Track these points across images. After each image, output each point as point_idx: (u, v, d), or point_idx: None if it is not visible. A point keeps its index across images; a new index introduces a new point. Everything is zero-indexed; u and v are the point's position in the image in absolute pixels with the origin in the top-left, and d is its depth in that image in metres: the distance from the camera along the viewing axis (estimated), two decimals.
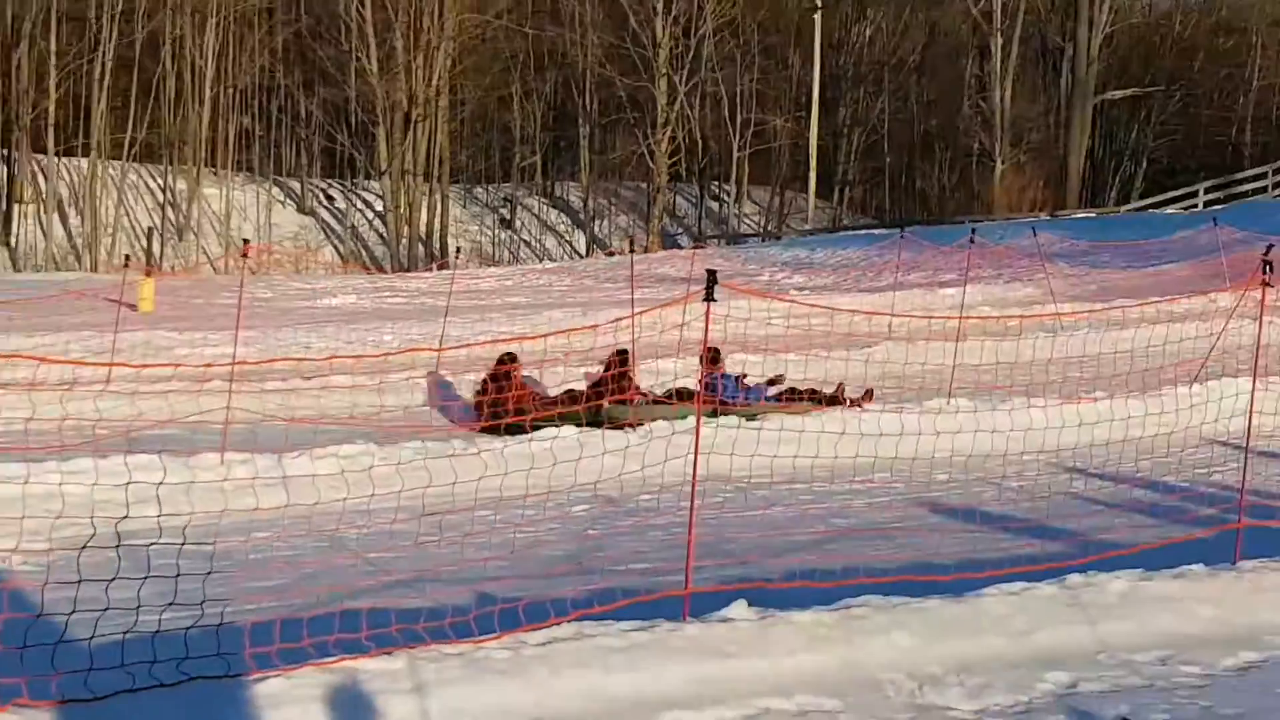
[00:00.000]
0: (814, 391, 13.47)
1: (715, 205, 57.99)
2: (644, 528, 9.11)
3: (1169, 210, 43.91)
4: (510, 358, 13.51)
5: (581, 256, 49.92)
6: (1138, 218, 39.53)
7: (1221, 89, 61.06)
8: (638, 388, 13.62)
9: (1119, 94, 55.14)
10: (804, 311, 17.00)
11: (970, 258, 19.68)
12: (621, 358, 13.50)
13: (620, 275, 24.60)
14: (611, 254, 38.21)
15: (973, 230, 21.20)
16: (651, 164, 50.20)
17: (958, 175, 58.45)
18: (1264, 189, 46.83)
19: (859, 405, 12.91)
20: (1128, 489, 10.27)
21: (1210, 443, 11.39)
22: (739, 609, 6.28)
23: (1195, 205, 45.01)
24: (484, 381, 13.60)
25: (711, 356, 12.61)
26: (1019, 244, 26.26)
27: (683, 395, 13.23)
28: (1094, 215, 42.97)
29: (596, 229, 55.27)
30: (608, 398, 12.88)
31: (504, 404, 12.55)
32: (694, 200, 57.37)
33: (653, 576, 7.52)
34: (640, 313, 10.40)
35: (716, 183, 57.89)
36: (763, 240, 46.14)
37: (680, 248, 44.61)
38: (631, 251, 23.66)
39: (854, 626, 6.27)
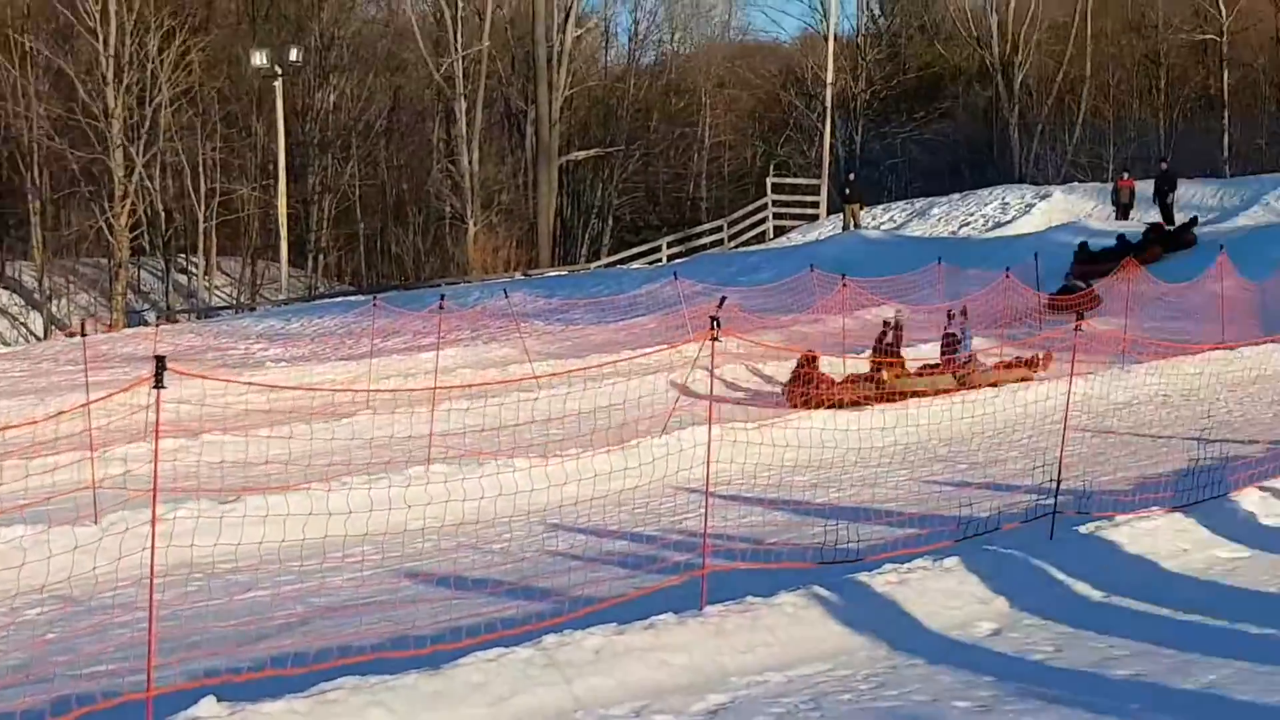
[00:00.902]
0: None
1: (184, 278, 56.25)
2: (108, 626, 8.58)
3: (635, 265, 45.65)
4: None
5: (39, 339, 47.33)
6: (608, 273, 40.82)
7: (677, 147, 63.98)
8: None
9: (582, 154, 56.99)
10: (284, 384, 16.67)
11: (447, 320, 19.81)
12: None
13: (82, 357, 23.31)
14: (72, 335, 36.48)
15: (442, 296, 21.34)
16: (111, 238, 48.36)
17: (432, 238, 58.83)
18: (720, 241, 49.36)
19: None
20: (605, 542, 10.45)
21: (680, 490, 11.74)
22: (208, 706, 5.99)
23: (659, 259, 46.97)
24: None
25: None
26: (494, 304, 26.62)
27: None
28: (566, 273, 44.12)
29: (55, 309, 52.59)
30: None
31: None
32: (160, 274, 55.46)
33: (115, 679, 7.09)
34: (94, 402, 9.87)
35: (184, 255, 56.17)
36: (236, 312, 45.08)
37: (147, 324, 42.97)
38: (84, 334, 22.33)
39: (329, 711, 6.08)
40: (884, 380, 16.87)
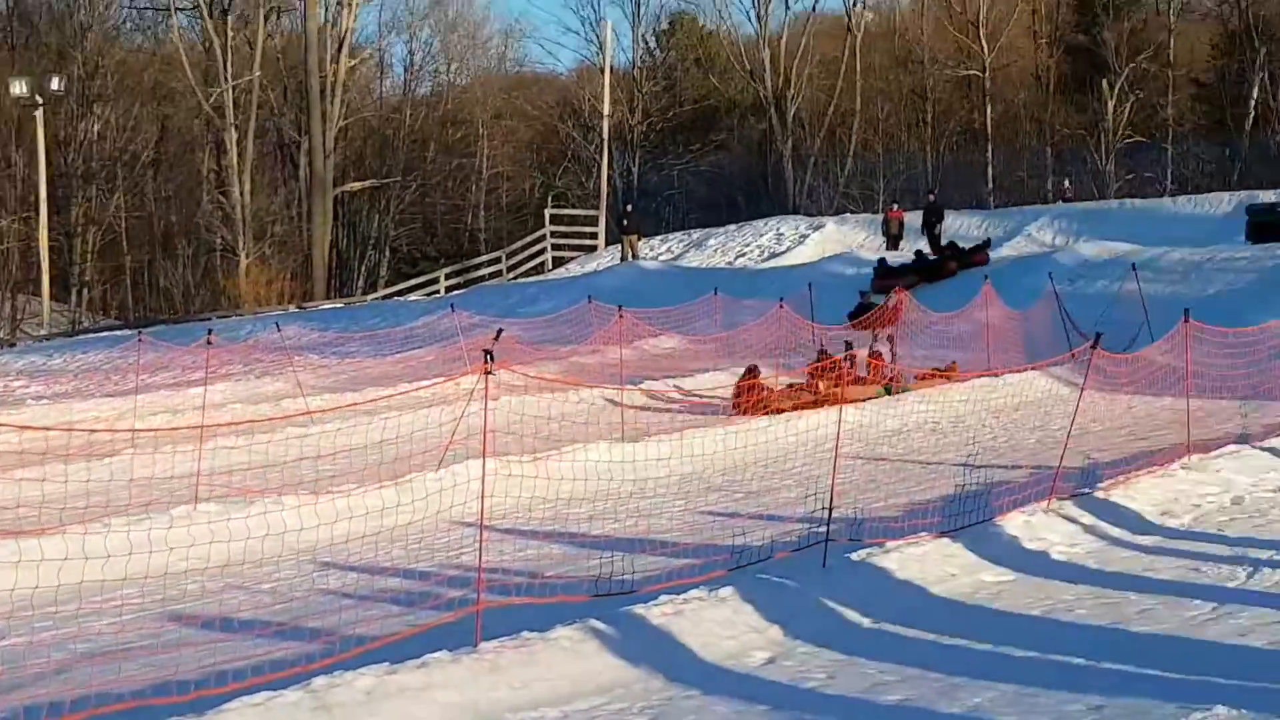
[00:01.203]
0: None
1: None
2: None
3: (413, 297, 45.30)
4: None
5: None
6: (385, 305, 40.44)
7: (454, 178, 63.76)
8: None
9: (358, 185, 56.43)
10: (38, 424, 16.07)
11: (219, 355, 19.34)
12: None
13: None
14: None
15: (209, 330, 20.86)
16: None
17: (202, 271, 57.55)
18: (499, 272, 49.29)
19: None
20: (379, 580, 10.25)
21: (456, 525, 11.59)
22: None
23: (437, 291, 46.70)
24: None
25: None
26: (267, 338, 26.12)
27: None
28: (342, 305, 43.57)
29: None
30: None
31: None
32: None
33: None
34: None
35: None
36: None
37: None
38: None
39: None
40: (820, 389, 18.04)
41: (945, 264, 31.58)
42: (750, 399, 18.02)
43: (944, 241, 35.97)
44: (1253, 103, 53.70)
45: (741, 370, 19.66)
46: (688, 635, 7.93)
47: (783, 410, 17.30)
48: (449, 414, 16.16)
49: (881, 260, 32.76)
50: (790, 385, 19.00)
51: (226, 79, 52.39)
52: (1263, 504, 11.35)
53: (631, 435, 15.91)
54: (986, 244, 33.79)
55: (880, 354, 20.56)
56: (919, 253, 33.64)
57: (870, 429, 16.37)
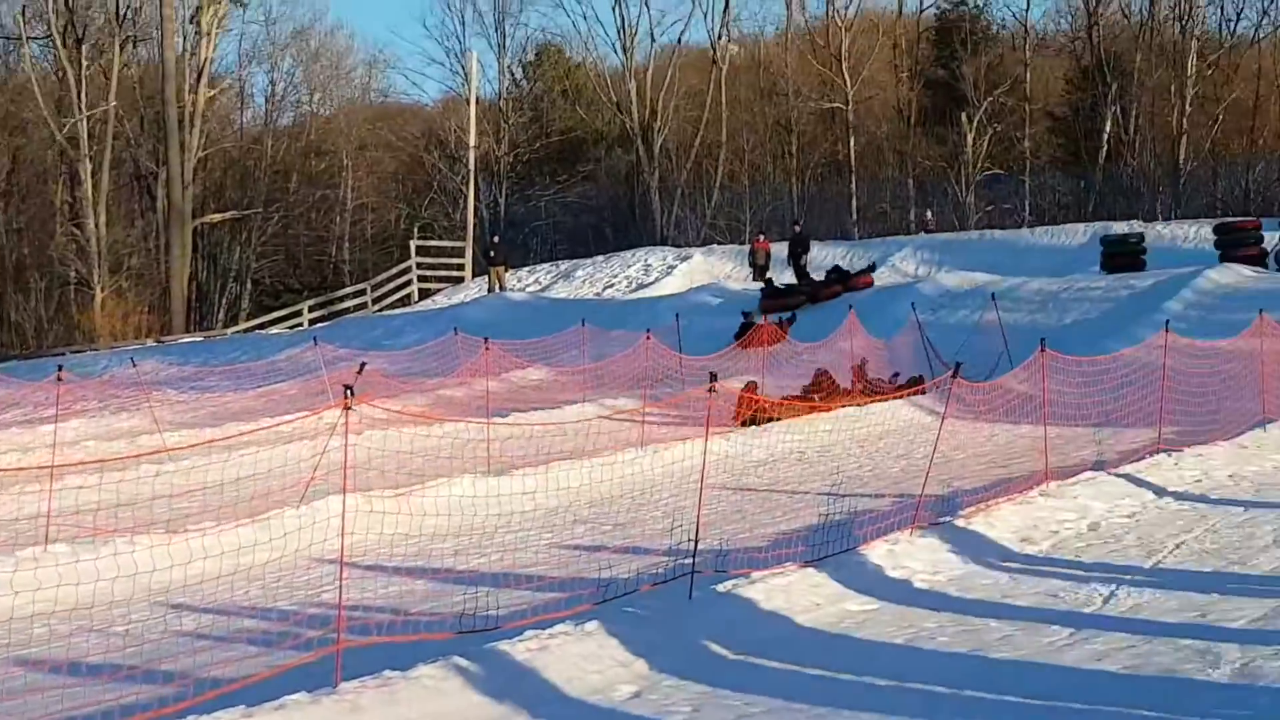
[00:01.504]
0: None
1: None
2: None
3: (276, 330, 44.80)
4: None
5: None
6: (246, 339, 39.93)
7: (318, 209, 63.18)
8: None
9: (218, 217, 55.78)
10: None
11: (73, 391, 18.92)
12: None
13: None
14: None
15: (60, 365, 20.40)
16: None
17: (55, 305, 56.25)
18: (364, 305, 48.90)
19: None
20: (237, 620, 10.05)
21: (318, 562, 11.42)
22: None
23: (301, 324, 46.22)
24: None
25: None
26: (123, 373, 25.63)
27: None
28: (202, 339, 42.96)
29: None
30: None
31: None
32: None
33: None
34: None
35: None
36: None
37: None
38: None
39: None
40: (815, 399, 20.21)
41: (830, 285, 32.08)
42: (747, 410, 19.03)
43: (811, 272, 36.28)
44: (1106, 136, 54.86)
45: (616, 402, 19.82)
46: (552, 670, 7.87)
47: (777, 418, 18.31)
48: (311, 449, 15.97)
49: (769, 280, 33.83)
50: (785, 398, 20.14)
51: (81, 109, 51.54)
52: (1117, 530, 11.53)
53: (498, 469, 15.81)
54: (871, 268, 34.30)
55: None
56: (769, 281, 34.18)
57: (738, 459, 16.41)
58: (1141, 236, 34.33)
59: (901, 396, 19.74)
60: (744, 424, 18.91)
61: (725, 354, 23.81)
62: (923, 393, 19.30)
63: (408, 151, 64.93)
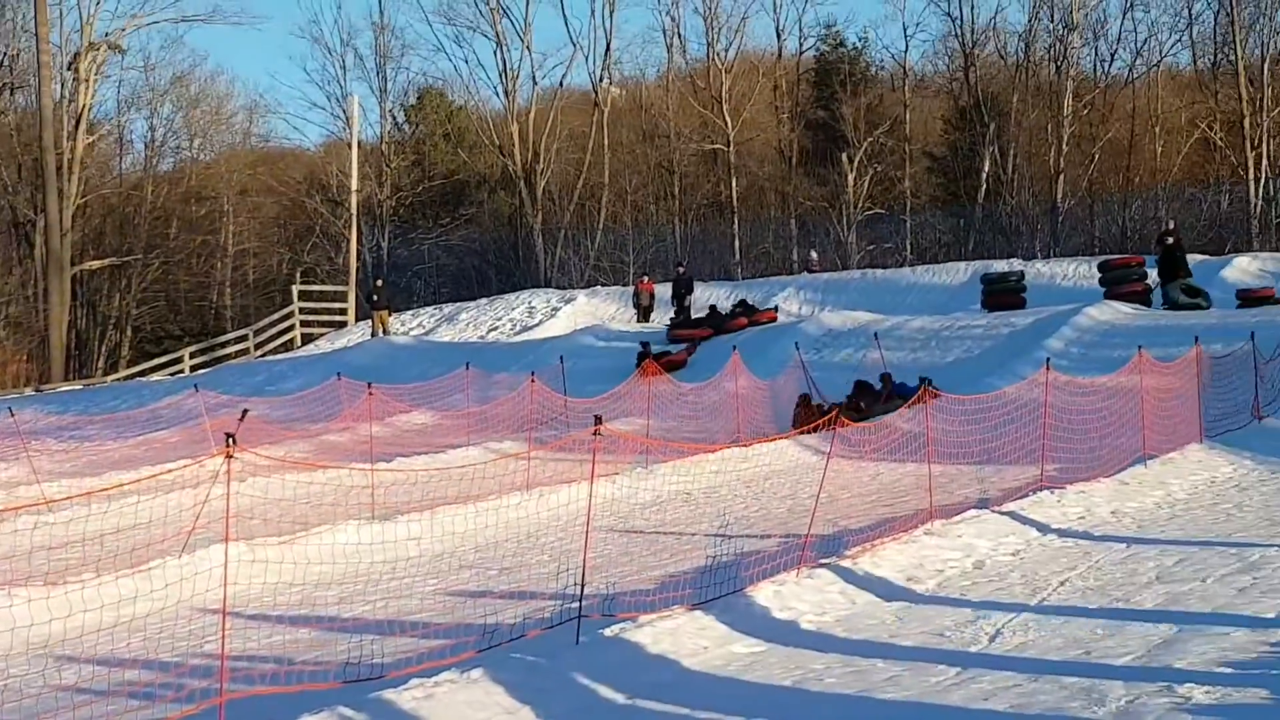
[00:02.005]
0: None
1: None
2: None
3: (157, 377, 44.17)
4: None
5: None
6: (127, 386, 39.30)
7: (199, 255, 62.48)
8: None
9: (97, 264, 55.02)
10: None
11: None
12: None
13: None
14: None
15: None
16: None
17: None
18: (246, 350, 48.40)
19: None
20: (119, 672, 9.85)
21: (201, 612, 11.25)
22: None
23: (182, 370, 45.65)
24: None
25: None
26: (1, 422, 25.11)
27: None
28: (81, 387, 42.24)
29: None
30: None
31: None
32: None
33: None
34: None
35: None
36: None
37: None
38: None
39: None
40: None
41: (736, 318, 33.05)
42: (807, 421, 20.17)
43: (694, 313, 36.51)
44: (984, 175, 55.76)
45: (502, 445, 19.88)
46: (438, 719, 7.79)
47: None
48: (193, 498, 15.73)
49: (678, 310, 35.82)
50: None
51: None
52: (1002, 568, 11.64)
53: (382, 514, 15.67)
54: (775, 309, 35.51)
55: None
56: (740, 300, 36.27)
57: (624, 502, 16.42)
58: (1021, 274, 34.87)
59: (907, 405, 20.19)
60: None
61: (610, 396, 23.81)
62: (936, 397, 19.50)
63: (289, 196, 64.47)
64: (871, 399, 22.74)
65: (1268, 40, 53.10)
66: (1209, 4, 56.15)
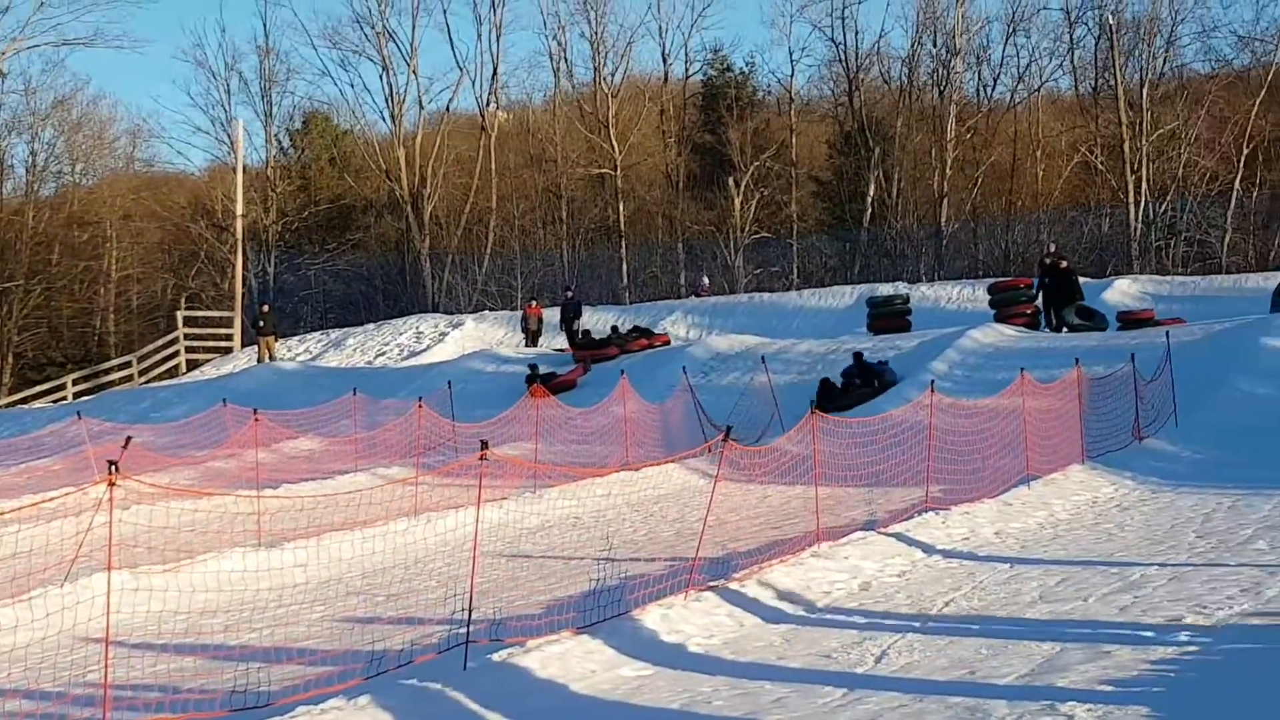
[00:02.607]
0: None
1: None
2: None
3: (39, 404, 43.49)
4: None
5: None
6: (8, 414, 38.72)
7: (81, 280, 61.45)
8: None
9: None
10: None
11: None
12: None
13: None
14: None
15: None
16: None
17: None
18: (130, 377, 47.73)
19: None
20: (1, 703, 9.68)
21: (85, 641, 11.08)
22: None
23: (65, 397, 44.95)
24: None
25: None
26: None
27: None
28: None
29: None
30: None
31: None
32: None
33: None
34: None
35: None
36: None
37: None
38: None
39: None
40: None
41: (637, 339, 33.66)
42: None
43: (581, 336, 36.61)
44: (869, 199, 56.33)
45: (389, 471, 19.80)
46: None
47: None
48: (76, 526, 15.48)
49: (585, 331, 36.00)
50: None
51: None
52: (889, 589, 11.75)
53: (268, 541, 15.52)
54: (665, 332, 36.59)
55: None
56: (634, 326, 36.76)
57: (512, 526, 16.38)
58: (906, 298, 35.27)
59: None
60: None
61: (498, 420, 23.77)
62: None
63: (174, 221, 63.60)
64: (839, 394, 24.29)
65: (1146, 65, 54.18)
66: (1089, 30, 57.21)
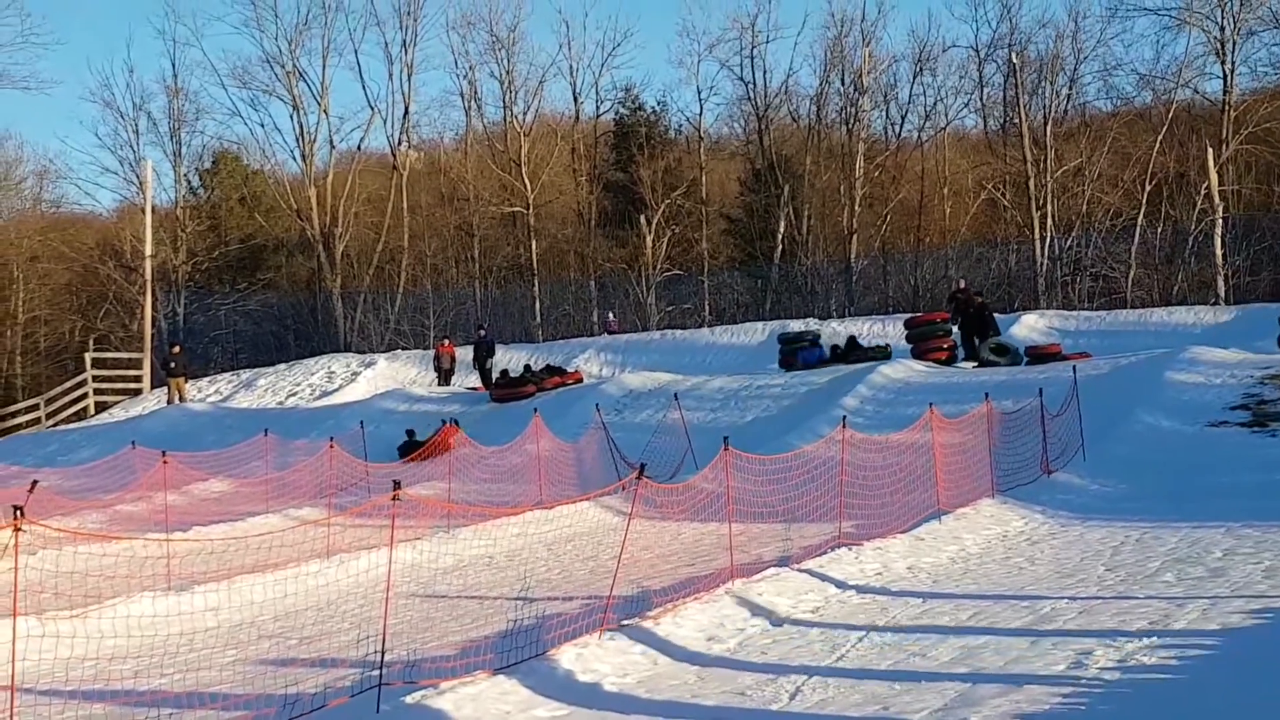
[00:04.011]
0: None
1: None
2: None
3: None
4: None
5: None
6: None
7: None
8: None
9: None
10: None
11: None
12: None
13: None
14: None
15: None
16: None
17: None
18: (38, 420, 47.07)
19: None
20: None
21: None
22: None
23: None
24: None
25: None
26: None
27: None
28: None
29: None
30: None
31: None
32: None
33: None
34: None
35: None
36: None
37: None
38: None
39: None
40: None
41: (551, 377, 34.03)
42: None
43: (495, 374, 36.57)
44: (780, 236, 56.73)
45: (301, 512, 19.48)
46: None
47: None
48: None
49: (504, 372, 36.30)
50: None
51: None
52: (802, 625, 11.77)
53: (179, 585, 15.34)
54: (576, 370, 36.56)
55: None
56: (548, 365, 36.47)
57: (426, 567, 16.30)
58: (817, 335, 35.42)
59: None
60: None
61: (411, 460, 23.66)
62: None
63: (82, 262, 62.92)
64: None
65: (1050, 103, 54.99)
66: (998, 68, 58.03)
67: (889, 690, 9.30)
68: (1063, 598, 12.20)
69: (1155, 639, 10.21)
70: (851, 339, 34.45)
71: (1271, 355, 27.01)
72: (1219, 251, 46.60)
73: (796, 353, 32.82)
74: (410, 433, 28.82)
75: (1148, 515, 16.84)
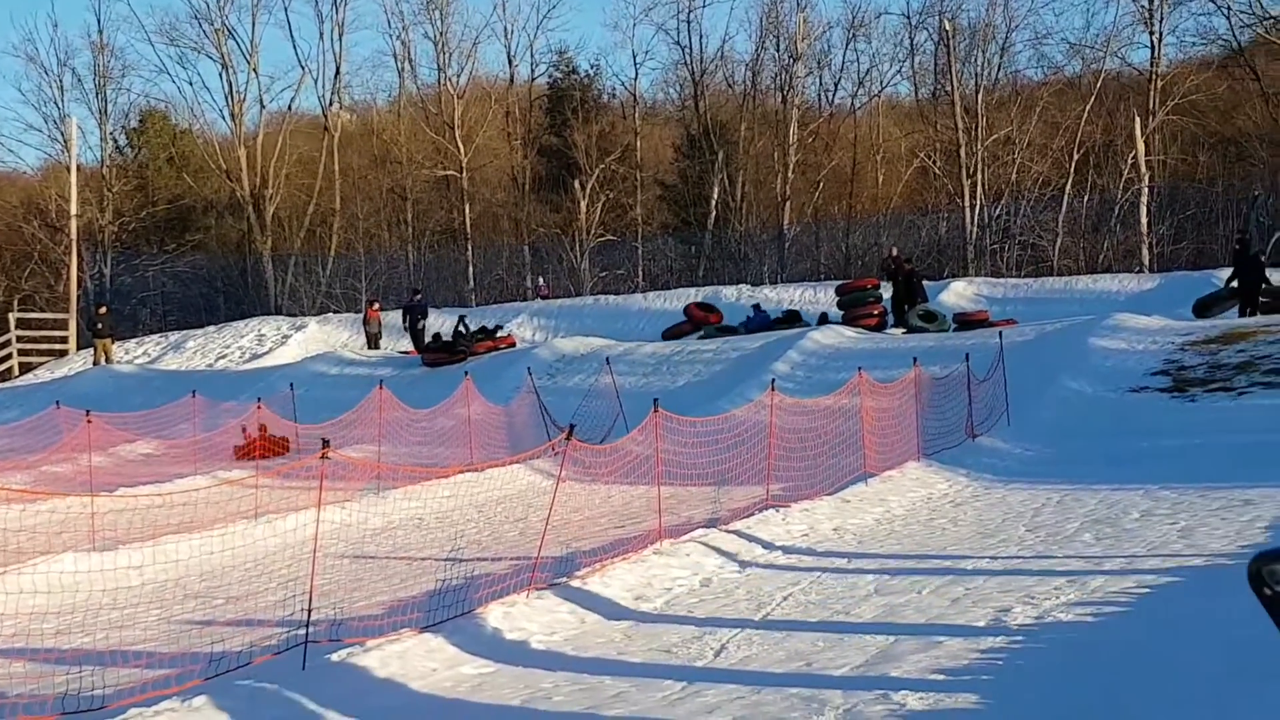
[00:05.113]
0: None
1: None
2: None
3: None
4: None
5: None
6: None
7: None
8: None
9: None
10: None
11: None
12: None
13: None
14: None
15: None
16: None
17: None
18: None
19: None
20: None
21: None
22: None
23: None
24: None
25: None
26: None
27: None
28: None
29: None
30: None
31: None
32: None
33: None
34: None
35: None
36: None
37: None
38: None
39: None
40: None
41: (483, 341, 34.19)
42: None
43: (428, 338, 36.46)
44: (714, 202, 56.77)
45: (229, 474, 19.32)
46: None
47: None
48: None
49: (436, 335, 35.58)
50: None
51: None
52: (729, 584, 11.88)
53: (103, 545, 15.25)
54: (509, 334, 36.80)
55: None
56: (437, 336, 35.54)
57: (356, 528, 16.28)
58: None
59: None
60: None
61: (341, 423, 23.58)
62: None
63: (5, 222, 62.08)
64: None
65: (982, 71, 55.32)
66: (929, 35, 58.24)
67: (812, 647, 9.40)
68: (984, 557, 12.36)
69: (1072, 597, 10.37)
70: (756, 306, 34.97)
71: (1192, 322, 27.38)
72: (1144, 220, 47.10)
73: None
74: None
75: (1069, 478, 17.07)
